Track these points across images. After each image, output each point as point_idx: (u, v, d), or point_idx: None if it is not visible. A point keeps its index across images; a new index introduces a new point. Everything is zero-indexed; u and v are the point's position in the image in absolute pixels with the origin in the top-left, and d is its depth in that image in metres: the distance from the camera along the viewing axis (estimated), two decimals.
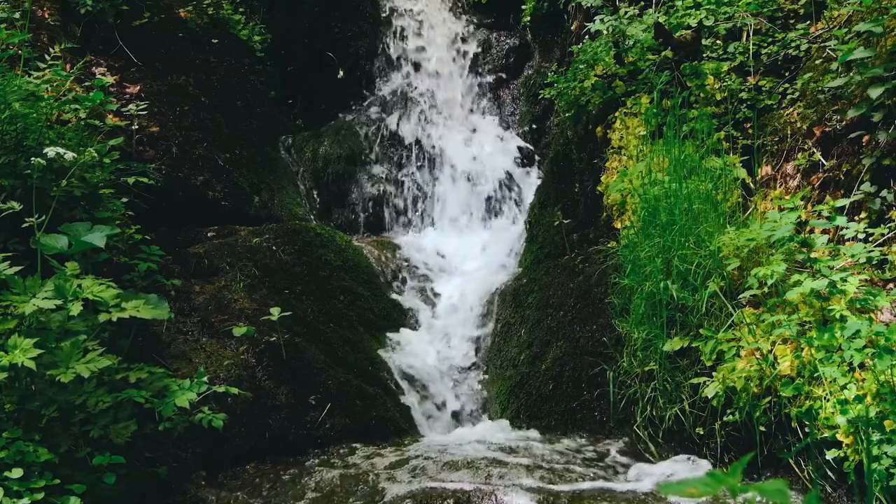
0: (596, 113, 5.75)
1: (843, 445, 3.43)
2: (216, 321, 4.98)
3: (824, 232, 4.10)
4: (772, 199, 4.52)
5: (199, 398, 3.71)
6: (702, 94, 5.15)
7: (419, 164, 7.69)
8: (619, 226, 5.09)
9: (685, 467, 4.17)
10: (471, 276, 6.64)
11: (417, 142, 7.78)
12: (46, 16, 5.93)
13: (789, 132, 4.74)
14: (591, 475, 4.11)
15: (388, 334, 5.99)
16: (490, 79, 8.37)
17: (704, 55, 5.35)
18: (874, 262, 3.88)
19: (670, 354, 4.28)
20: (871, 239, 3.96)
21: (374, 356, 5.67)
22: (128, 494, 3.56)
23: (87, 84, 5.42)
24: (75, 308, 3.36)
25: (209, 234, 5.85)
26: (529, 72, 8.23)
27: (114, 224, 4.26)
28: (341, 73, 8.47)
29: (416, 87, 8.29)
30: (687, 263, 4.27)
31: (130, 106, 5.74)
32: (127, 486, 3.54)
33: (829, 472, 3.54)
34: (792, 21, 5.35)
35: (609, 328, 4.83)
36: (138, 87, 6.22)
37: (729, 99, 5.08)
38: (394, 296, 6.35)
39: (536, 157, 7.69)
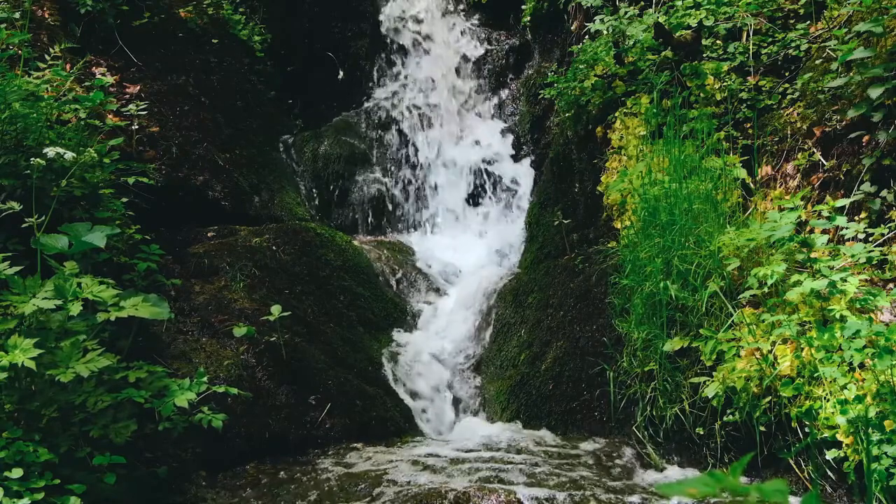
0: (596, 113, 5.75)
1: (843, 445, 3.43)
2: (216, 321, 4.98)
3: (824, 232, 4.10)
4: (772, 199, 4.52)
5: (199, 398, 3.71)
6: (702, 94, 5.15)
7: (419, 163, 7.69)
8: (619, 226, 5.09)
9: (683, 471, 4.18)
10: (470, 276, 6.64)
11: (417, 141, 7.78)
12: (46, 16, 5.93)
13: (789, 132, 4.74)
14: (591, 475, 4.11)
15: (389, 334, 5.99)
16: (490, 79, 8.37)
17: (704, 55, 5.35)
18: (874, 262, 3.88)
19: (670, 354, 4.28)
20: (871, 239, 3.96)
21: (374, 356, 5.67)
22: (128, 494, 3.56)
23: (87, 84, 5.42)
24: (75, 308, 3.35)
25: (209, 234, 5.85)
26: (529, 72, 8.22)
27: (114, 224, 4.26)
28: (341, 73, 8.47)
29: (415, 87, 8.29)
30: (687, 263, 4.27)
31: (130, 106, 5.74)
32: (127, 486, 3.54)
33: (829, 472, 3.54)
34: (792, 21, 5.35)
35: (609, 328, 4.83)
36: (138, 87, 6.22)
37: (729, 99, 5.08)
38: (394, 295, 6.35)
39: (536, 157, 7.69)
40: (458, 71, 8.37)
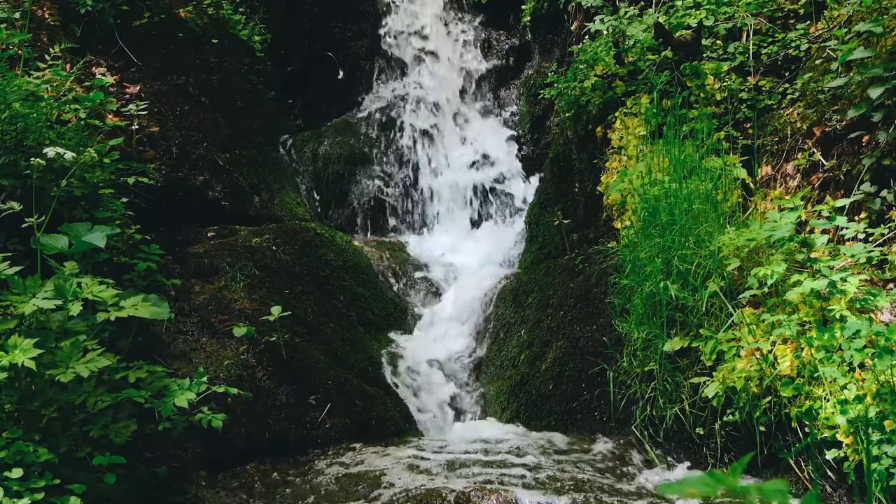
0: (596, 113, 5.75)
1: (843, 445, 3.43)
2: (216, 321, 4.98)
3: (824, 232, 4.10)
4: (772, 199, 4.52)
5: (199, 398, 3.71)
6: (702, 94, 5.15)
7: (419, 163, 7.69)
8: (619, 226, 5.09)
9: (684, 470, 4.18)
10: (470, 276, 6.63)
11: (417, 141, 7.78)
12: (46, 16, 5.93)
13: (789, 132, 4.74)
14: (591, 475, 4.11)
15: (389, 334, 5.98)
16: (490, 79, 8.36)
17: (704, 55, 5.35)
18: (874, 262, 3.88)
19: (670, 354, 4.27)
20: (871, 239, 3.96)
21: (374, 356, 5.66)
22: (128, 494, 3.56)
23: (87, 84, 5.42)
24: (75, 308, 3.35)
25: (209, 234, 5.85)
26: (529, 72, 8.22)
27: (114, 224, 4.26)
28: (341, 73, 8.47)
29: (415, 87, 8.29)
30: (687, 263, 4.27)
31: (130, 106, 5.74)
32: (127, 486, 3.54)
33: (829, 472, 3.54)
34: (792, 21, 5.35)
35: (609, 328, 4.83)
36: (138, 87, 6.22)
37: (729, 99, 5.08)
38: (394, 296, 6.35)
39: (536, 157, 7.68)
40: (457, 70, 8.35)
